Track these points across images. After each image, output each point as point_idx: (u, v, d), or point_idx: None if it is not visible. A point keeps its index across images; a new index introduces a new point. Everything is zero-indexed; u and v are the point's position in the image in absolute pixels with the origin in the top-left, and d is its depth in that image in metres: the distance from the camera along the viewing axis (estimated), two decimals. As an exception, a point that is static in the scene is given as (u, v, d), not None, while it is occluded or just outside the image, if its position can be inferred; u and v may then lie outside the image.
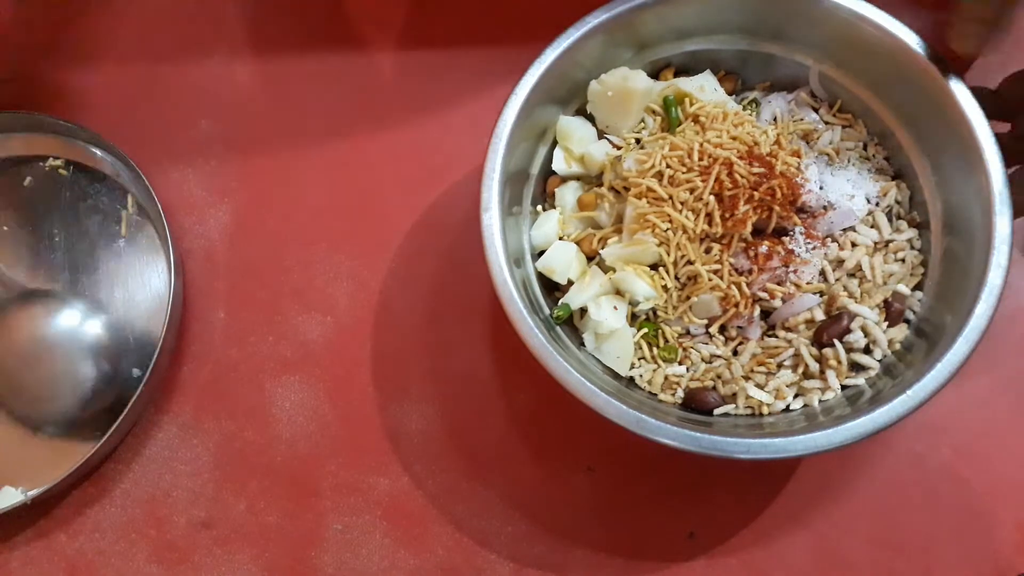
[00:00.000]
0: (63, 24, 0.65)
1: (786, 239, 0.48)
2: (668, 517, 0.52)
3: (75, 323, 0.57)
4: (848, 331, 0.47)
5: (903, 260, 0.49)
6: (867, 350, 0.48)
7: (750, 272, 0.48)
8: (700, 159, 0.48)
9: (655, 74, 0.53)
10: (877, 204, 0.50)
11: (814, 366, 0.47)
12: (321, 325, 0.57)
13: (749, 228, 0.47)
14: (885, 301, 0.48)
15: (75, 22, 0.64)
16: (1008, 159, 0.45)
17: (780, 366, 0.48)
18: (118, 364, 0.56)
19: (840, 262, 0.49)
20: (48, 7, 0.65)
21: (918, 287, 0.49)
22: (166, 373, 0.56)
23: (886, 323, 0.48)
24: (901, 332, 0.48)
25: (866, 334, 0.47)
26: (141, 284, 0.58)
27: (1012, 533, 0.50)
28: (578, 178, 0.53)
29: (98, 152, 0.60)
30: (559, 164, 0.52)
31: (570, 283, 0.50)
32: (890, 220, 0.50)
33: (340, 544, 0.53)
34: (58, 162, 0.60)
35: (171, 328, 0.54)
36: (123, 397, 0.53)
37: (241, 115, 0.61)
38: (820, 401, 0.47)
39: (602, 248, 0.50)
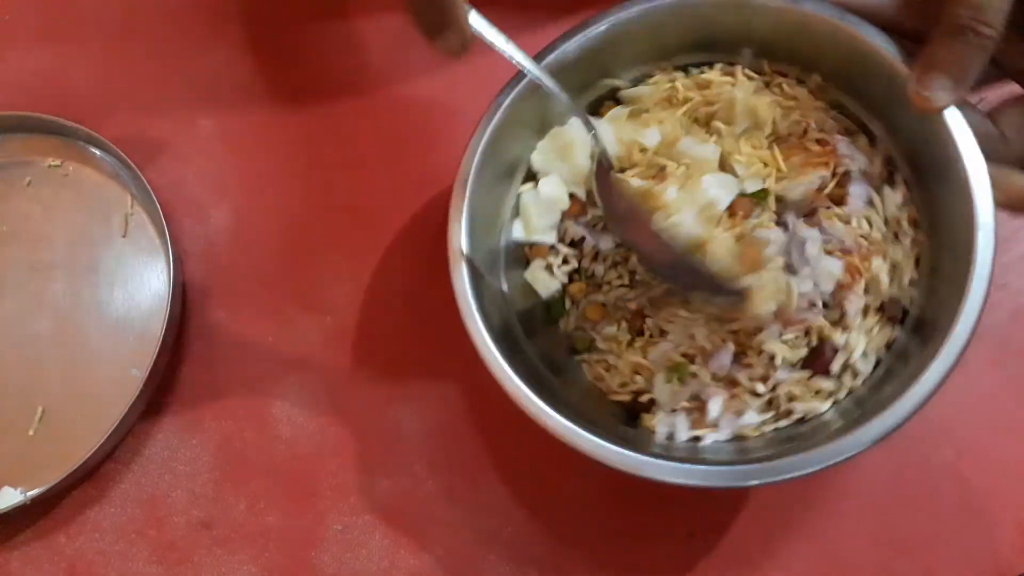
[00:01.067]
0: (62, 24, 0.65)
1: None
2: (668, 517, 0.52)
3: (74, 323, 0.57)
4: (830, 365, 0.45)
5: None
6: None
7: None
8: None
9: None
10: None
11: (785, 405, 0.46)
12: (321, 325, 0.57)
13: None
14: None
15: (74, 22, 0.65)
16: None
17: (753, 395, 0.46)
18: (117, 364, 0.56)
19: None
20: (48, 8, 0.65)
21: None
22: (165, 373, 0.56)
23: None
24: (884, 336, 0.46)
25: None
26: (140, 284, 0.58)
27: (1013, 533, 0.50)
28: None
29: (97, 152, 0.60)
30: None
31: None
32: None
33: (340, 544, 0.53)
34: (57, 162, 0.60)
35: (170, 328, 0.54)
36: (122, 397, 0.53)
37: (241, 114, 0.61)
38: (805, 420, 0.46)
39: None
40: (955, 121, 0.42)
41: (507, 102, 0.47)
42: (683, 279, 0.46)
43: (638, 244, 0.46)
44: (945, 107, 0.41)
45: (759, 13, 0.47)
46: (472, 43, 0.37)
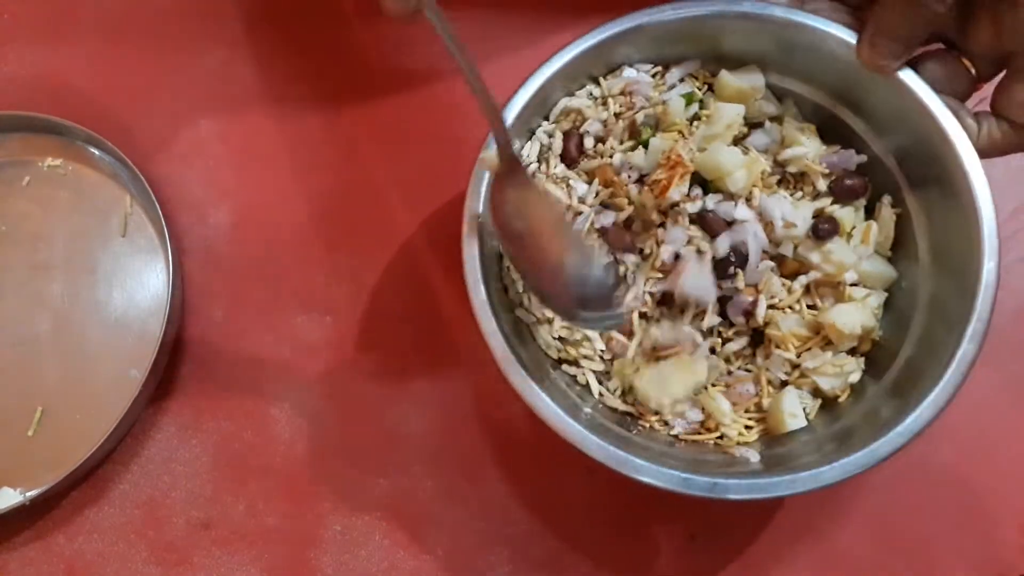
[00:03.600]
0: (61, 23, 0.65)
1: None
2: (669, 518, 0.52)
3: (73, 323, 0.57)
4: None
5: None
6: None
7: None
8: None
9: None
10: None
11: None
12: (321, 325, 0.57)
13: None
14: None
15: (73, 22, 0.64)
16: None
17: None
18: (116, 364, 0.56)
19: None
20: (48, 8, 0.65)
21: None
22: (165, 374, 0.56)
23: None
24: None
25: None
26: (140, 284, 0.58)
27: (1013, 534, 0.50)
28: None
29: (96, 152, 0.60)
30: None
31: None
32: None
33: (339, 545, 0.53)
34: (57, 162, 0.60)
35: (169, 328, 0.54)
36: (122, 398, 0.53)
37: (241, 114, 0.61)
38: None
39: None
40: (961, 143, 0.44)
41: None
42: (577, 300, 0.43)
43: (528, 268, 0.44)
44: (896, 70, 0.44)
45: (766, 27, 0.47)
46: (419, 12, 0.38)
